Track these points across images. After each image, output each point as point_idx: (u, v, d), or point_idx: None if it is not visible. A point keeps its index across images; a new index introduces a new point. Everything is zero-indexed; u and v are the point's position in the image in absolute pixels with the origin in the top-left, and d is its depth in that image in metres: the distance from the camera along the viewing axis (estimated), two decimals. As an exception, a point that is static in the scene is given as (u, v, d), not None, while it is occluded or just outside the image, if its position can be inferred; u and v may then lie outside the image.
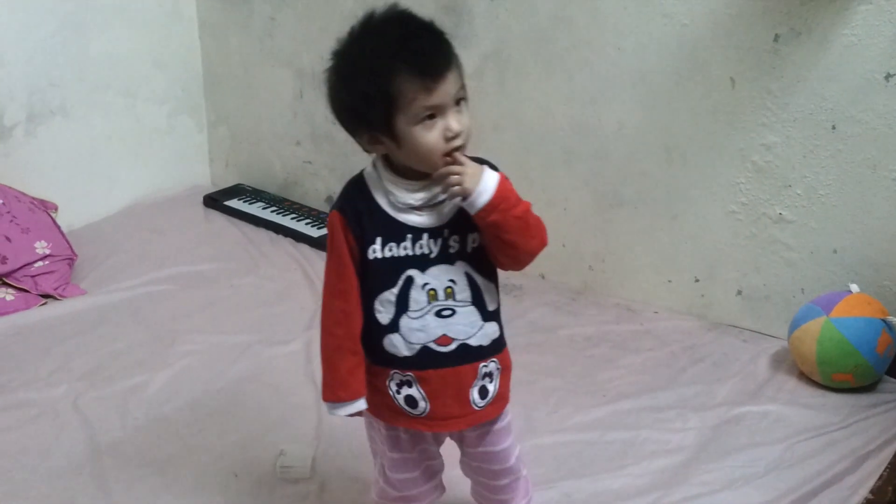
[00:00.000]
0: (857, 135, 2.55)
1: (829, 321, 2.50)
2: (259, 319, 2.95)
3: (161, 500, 2.19)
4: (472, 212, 1.64)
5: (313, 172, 3.67)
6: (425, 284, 1.70)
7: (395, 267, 1.69)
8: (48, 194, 3.34)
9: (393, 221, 1.68)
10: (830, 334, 2.48)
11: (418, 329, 1.71)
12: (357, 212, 1.69)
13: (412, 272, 1.69)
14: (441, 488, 1.95)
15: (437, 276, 1.70)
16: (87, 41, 3.45)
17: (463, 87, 1.64)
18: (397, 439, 1.83)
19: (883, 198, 2.56)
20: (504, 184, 1.65)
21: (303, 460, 2.27)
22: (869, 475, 2.23)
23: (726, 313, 2.89)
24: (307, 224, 3.50)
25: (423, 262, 1.69)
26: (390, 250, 1.69)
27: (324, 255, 3.28)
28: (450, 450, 1.92)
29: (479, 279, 1.72)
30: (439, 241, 1.69)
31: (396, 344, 1.72)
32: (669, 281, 2.97)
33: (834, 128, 2.57)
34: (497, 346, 1.78)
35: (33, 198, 3.26)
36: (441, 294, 1.70)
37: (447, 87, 1.60)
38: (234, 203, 3.67)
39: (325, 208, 3.63)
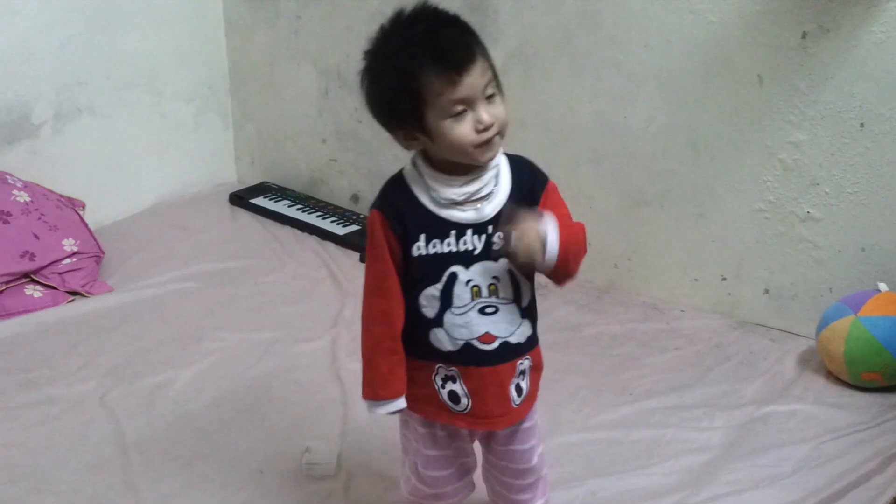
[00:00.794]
0: (885, 132, 2.53)
1: (858, 320, 2.48)
2: (284, 317, 2.96)
3: (187, 496, 2.20)
4: (542, 271, 1.67)
5: (339, 170, 3.68)
6: (469, 281, 1.69)
7: (438, 263, 1.69)
8: (76, 192, 3.36)
9: (436, 218, 1.68)
10: (859, 333, 2.47)
11: (461, 325, 1.71)
12: (398, 210, 1.69)
13: (456, 268, 1.69)
14: (471, 485, 1.95)
15: (481, 273, 1.70)
16: (114, 39, 3.47)
17: (493, 79, 1.64)
18: (434, 437, 1.83)
19: (912, 196, 2.55)
20: (563, 235, 1.63)
21: (328, 457, 2.27)
22: (897, 475, 2.21)
23: (753, 312, 2.87)
24: (332, 222, 3.50)
25: (466, 259, 1.69)
26: (434, 247, 1.69)
27: (349, 252, 3.35)
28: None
29: (520, 276, 1.72)
30: (483, 238, 1.69)
31: (441, 338, 1.72)
32: (696, 279, 2.96)
33: (862, 125, 2.55)
34: (531, 344, 1.79)
35: (61, 195, 3.28)
36: (485, 291, 1.70)
37: (473, 80, 1.60)
38: (259, 201, 3.68)
39: (351, 206, 3.63)
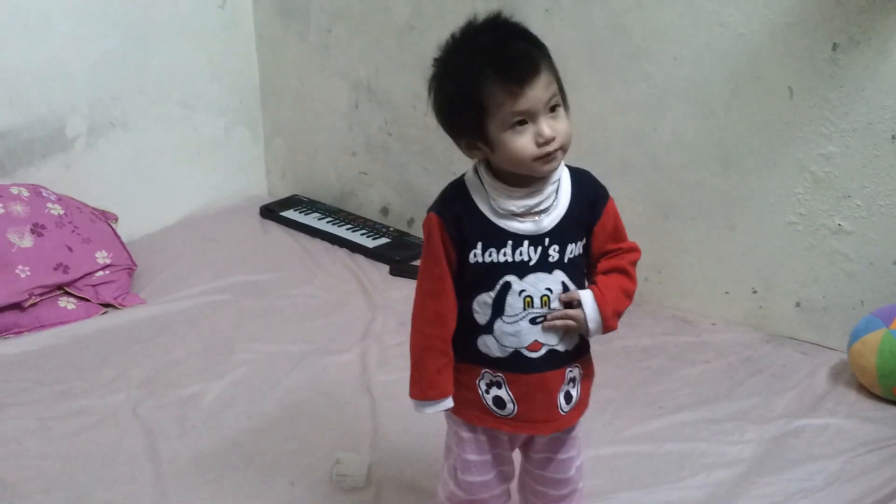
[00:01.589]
0: (918, 144, 2.52)
1: (890, 333, 2.47)
2: (315, 329, 2.97)
3: (218, 508, 2.22)
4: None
5: (369, 183, 3.69)
6: (522, 291, 1.70)
7: (493, 271, 1.70)
8: (108, 205, 3.39)
9: (494, 227, 1.69)
10: (891, 347, 2.45)
11: (511, 334, 1.72)
12: (456, 216, 1.70)
13: (510, 278, 1.70)
14: (508, 495, 1.95)
15: (535, 284, 1.71)
16: (147, 55, 3.51)
17: (558, 93, 1.66)
18: (476, 441, 1.84)
19: (945, 208, 2.53)
20: (605, 310, 1.72)
21: (359, 469, 2.27)
22: (930, 489, 2.19)
23: (784, 325, 2.86)
24: (363, 235, 3.52)
25: (521, 269, 1.70)
26: (490, 255, 1.70)
27: (379, 265, 3.37)
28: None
29: (573, 288, 1.73)
30: (539, 250, 1.70)
31: (489, 345, 1.73)
32: (727, 292, 2.95)
33: (894, 138, 2.54)
34: (580, 352, 1.79)
35: (94, 208, 3.31)
36: (537, 302, 1.71)
37: (536, 93, 1.61)
38: (290, 214, 3.70)
39: (381, 219, 3.65)
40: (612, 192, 1.78)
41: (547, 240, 1.70)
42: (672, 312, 3.01)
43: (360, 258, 3.42)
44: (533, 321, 1.72)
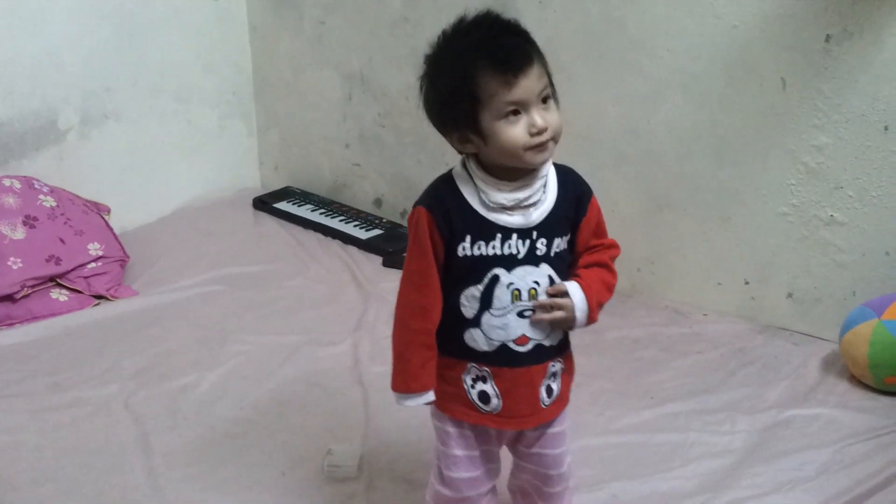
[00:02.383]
0: (910, 135, 2.52)
1: (882, 324, 2.47)
2: (308, 321, 2.97)
3: (210, 498, 2.21)
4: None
5: (362, 175, 3.69)
6: (510, 284, 1.71)
7: (481, 265, 1.71)
8: (101, 197, 3.39)
9: (483, 220, 1.70)
10: (882, 337, 2.45)
11: (499, 327, 1.73)
12: (445, 210, 1.71)
13: (498, 271, 1.71)
14: (494, 493, 1.94)
15: (523, 277, 1.71)
16: (140, 47, 3.50)
17: (549, 84, 1.67)
18: (463, 437, 1.83)
19: (937, 199, 2.54)
20: (591, 301, 1.73)
21: (350, 460, 2.28)
22: (921, 479, 2.20)
23: (777, 316, 2.86)
24: (356, 226, 3.52)
25: (509, 262, 1.71)
26: (479, 249, 1.71)
27: (372, 256, 3.37)
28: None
29: (559, 282, 1.74)
30: (527, 243, 1.71)
31: (476, 339, 1.74)
32: (719, 283, 2.95)
33: (886, 129, 2.54)
34: (562, 347, 1.81)
35: (87, 200, 3.31)
36: (525, 295, 1.72)
37: (529, 83, 1.63)
38: (283, 205, 3.70)
39: (374, 210, 3.65)
40: (605, 184, 1.81)
41: (535, 233, 1.71)
42: (664, 303, 3.02)
43: (353, 250, 3.42)
44: (521, 315, 1.72)
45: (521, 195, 1.69)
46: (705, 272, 2.97)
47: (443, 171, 1.78)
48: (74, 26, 3.31)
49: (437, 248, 1.72)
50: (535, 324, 1.73)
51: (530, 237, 1.71)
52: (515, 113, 1.63)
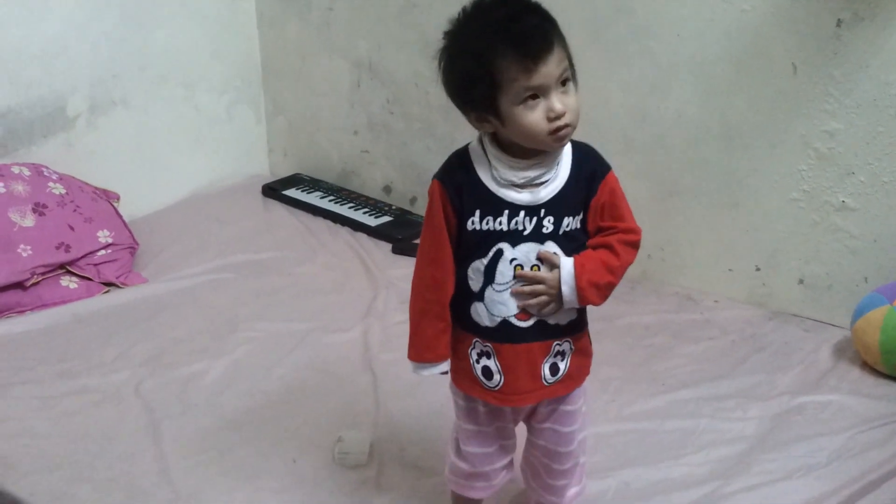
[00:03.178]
0: (922, 121, 2.51)
1: (893, 310, 2.46)
2: (317, 308, 2.97)
3: (220, 485, 2.22)
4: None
5: (371, 161, 3.69)
6: (513, 259, 1.73)
7: (488, 239, 1.73)
8: (110, 184, 3.38)
9: (492, 196, 1.71)
10: (895, 323, 2.45)
11: (500, 302, 1.74)
12: (457, 184, 1.73)
13: (503, 245, 1.73)
14: (509, 469, 1.97)
15: (526, 254, 1.73)
16: (148, 33, 3.49)
17: (569, 68, 1.66)
18: (475, 411, 1.86)
19: (949, 185, 2.52)
20: (582, 279, 1.71)
21: (361, 446, 2.28)
22: (933, 466, 2.19)
23: (788, 302, 2.86)
24: (365, 213, 3.51)
25: (515, 238, 1.72)
26: (487, 223, 1.72)
27: (381, 243, 3.37)
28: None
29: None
30: (534, 220, 1.72)
31: (480, 313, 1.76)
32: (730, 270, 2.94)
33: (898, 114, 2.53)
34: (573, 328, 1.80)
35: (96, 187, 3.30)
36: (527, 270, 1.73)
37: (548, 69, 1.62)
38: (292, 192, 3.69)
39: (383, 197, 3.64)
40: (615, 171, 1.78)
41: (542, 211, 1.71)
42: (675, 290, 3.01)
43: (363, 237, 3.41)
44: None
45: (532, 173, 1.70)
46: (716, 258, 2.96)
47: (452, 157, 1.78)
48: (82, 13, 3.30)
49: (449, 221, 1.74)
50: (516, 295, 1.73)
51: (538, 214, 1.72)
52: (534, 97, 1.63)
